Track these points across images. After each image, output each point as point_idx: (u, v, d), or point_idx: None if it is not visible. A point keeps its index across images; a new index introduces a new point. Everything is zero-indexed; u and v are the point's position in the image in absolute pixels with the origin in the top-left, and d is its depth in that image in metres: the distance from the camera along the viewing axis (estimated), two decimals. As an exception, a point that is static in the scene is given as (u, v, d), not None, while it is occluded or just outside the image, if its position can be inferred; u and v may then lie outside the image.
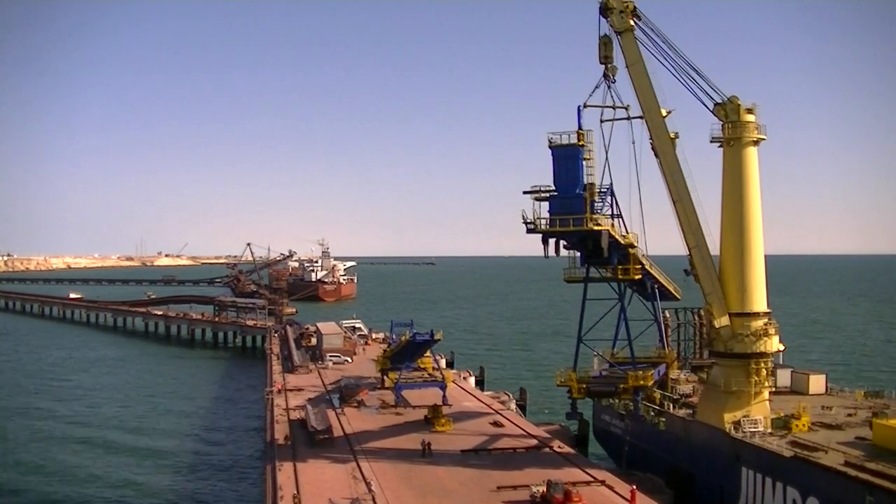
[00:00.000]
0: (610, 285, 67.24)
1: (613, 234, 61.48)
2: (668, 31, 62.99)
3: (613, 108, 64.97)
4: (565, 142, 59.48)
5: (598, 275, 66.51)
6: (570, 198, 59.00)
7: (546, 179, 60.48)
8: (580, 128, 60.22)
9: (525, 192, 60.35)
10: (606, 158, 65.00)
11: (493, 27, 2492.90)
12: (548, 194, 60.04)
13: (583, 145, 59.68)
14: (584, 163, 60.02)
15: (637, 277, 65.10)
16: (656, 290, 73.81)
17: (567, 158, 59.16)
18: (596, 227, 59.55)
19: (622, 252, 63.19)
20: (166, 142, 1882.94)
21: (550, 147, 59.50)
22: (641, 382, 62.03)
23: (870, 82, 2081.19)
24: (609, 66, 64.14)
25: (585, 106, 63.24)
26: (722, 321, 62.25)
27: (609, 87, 64.54)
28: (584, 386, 62.43)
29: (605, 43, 63.71)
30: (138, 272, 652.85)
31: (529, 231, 60.05)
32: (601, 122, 65.28)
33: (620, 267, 63.68)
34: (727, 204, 64.29)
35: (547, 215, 60.34)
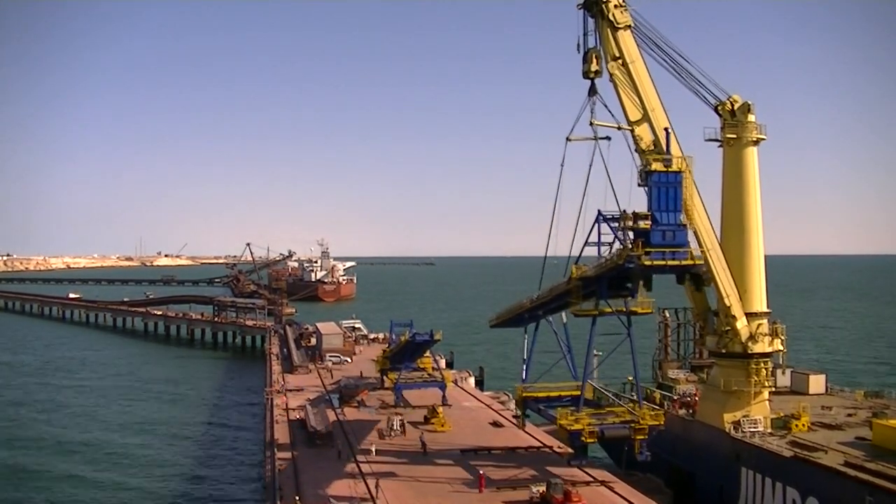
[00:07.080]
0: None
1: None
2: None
3: (595, 138, 59.05)
4: (666, 167, 54.12)
5: (610, 308, 58.37)
6: (674, 229, 53.52)
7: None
8: (667, 150, 55.82)
9: (606, 219, 54.20)
10: (609, 180, 58.69)
11: (491, 26, 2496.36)
12: (642, 224, 53.54)
13: (682, 171, 54.90)
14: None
15: (650, 311, 59.46)
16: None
17: (669, 185, 53.60)
18: (697, 262, 55.28)
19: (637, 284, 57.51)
20: (166, 141, 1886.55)
21: (649, 172, 53.85)
22: (656, 422, 56.42)
23: (868, 83, 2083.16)
24: (596, 79, 59.76)
25: (591, 123, 59.09)
26: (742, 321, 62.03)
27: (595, 104, 59.72)
28: (597, 430, 55.22)
29: (596, 56, 59.98)
30: (138, 272, 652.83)
31: (629, 265, 52.94)
32: (567, 139, 59.24)
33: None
34: (727, 204, 64.26)
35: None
